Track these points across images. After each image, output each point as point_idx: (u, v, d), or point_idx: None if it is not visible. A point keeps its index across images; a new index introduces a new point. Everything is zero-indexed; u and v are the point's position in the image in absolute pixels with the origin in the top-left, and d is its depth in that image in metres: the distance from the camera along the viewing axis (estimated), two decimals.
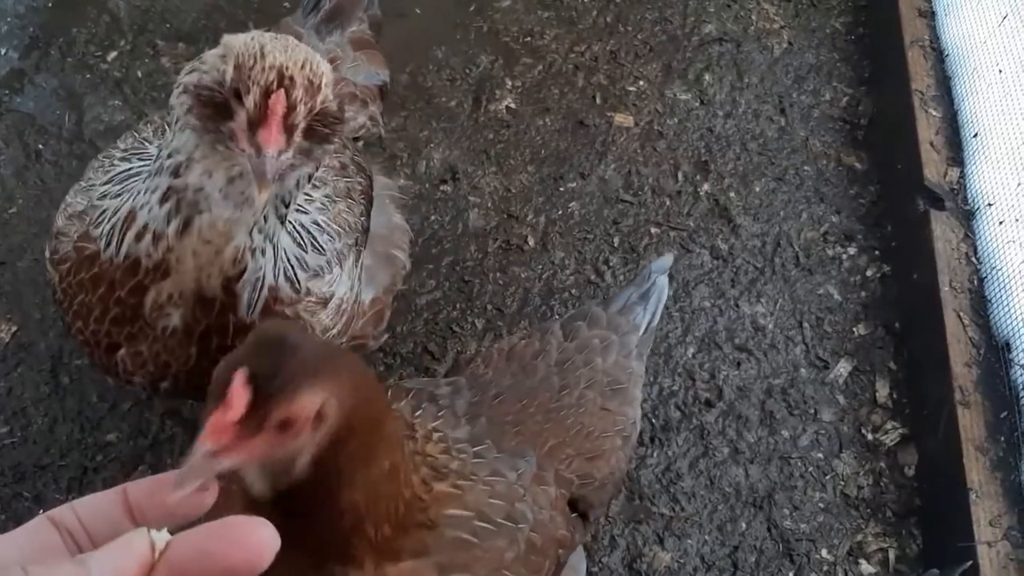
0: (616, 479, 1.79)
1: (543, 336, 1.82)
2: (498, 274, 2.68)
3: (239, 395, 0.91)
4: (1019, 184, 2.57)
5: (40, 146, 2.83)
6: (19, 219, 2.65)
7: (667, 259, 2.00)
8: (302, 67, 1.25)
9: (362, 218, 1.85)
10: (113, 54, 3.08)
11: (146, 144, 1.69)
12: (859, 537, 2.26)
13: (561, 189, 2.89)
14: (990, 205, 2.59)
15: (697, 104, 3.13)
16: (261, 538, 0.64)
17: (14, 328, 2.44)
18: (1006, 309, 2.37)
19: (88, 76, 3.02)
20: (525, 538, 1.45)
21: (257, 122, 1.24)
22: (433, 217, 2.79)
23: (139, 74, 3.04)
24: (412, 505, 1.23)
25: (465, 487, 1.37)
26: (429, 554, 1.27)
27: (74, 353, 2.42)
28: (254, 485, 1.05)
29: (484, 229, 2.77)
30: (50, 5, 3.22)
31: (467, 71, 3.15)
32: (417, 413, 1.48)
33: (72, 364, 2.38)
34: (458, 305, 2.60)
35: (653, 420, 2.43)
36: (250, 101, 1.23)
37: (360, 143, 2.13)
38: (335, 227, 1.73)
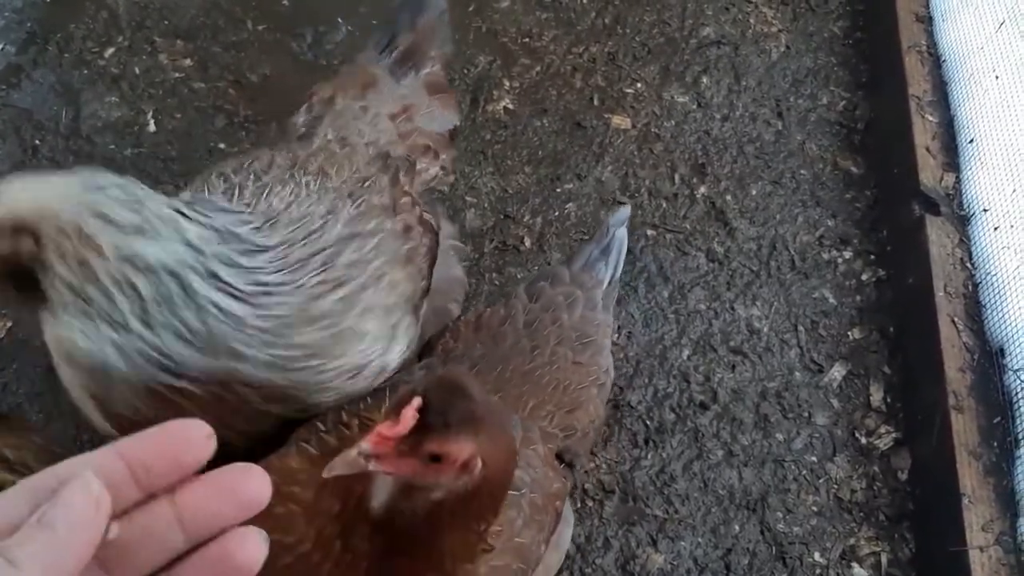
0: (597, 426, 1.87)
1: (507, 302, 1.87)
2: (494, 274, 2.68)
3: (409, 416, 1.04)
4: (1014, 190, 2.58)
5: (37, 142, 2.83)
6: None
7: (624, 211, 2.06)
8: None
9: (423, 281, 1.79)
10: (111, 50, 3.08)
11: None
12: (852, 541, 2.27)
13: (558, 190, 2.89)
14: (985, 211, 2.60)
15: (694, 107, 3.14)
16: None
17: (8, 324, 2.44)
18: (1000, 315, 2.37)
19: (86, 72, 3.01)
20: (528, 501, 1.53)
21: None
22: None
23: (137, 71, 3.03)
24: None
25: None
26: None
27: None
28: (377, 496, 1.16)
29: (481, 229, 2.77)
30: (48, 0, 3.21)
31: (465, 71, 3.15)
32: None
33: None
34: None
35: (648, 422, 2.43)
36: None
37: (433, 195, 2.05)
38: (389, 302, 1.66)
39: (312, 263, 1.54)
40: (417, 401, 1.06)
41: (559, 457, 1.73)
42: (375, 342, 1.63)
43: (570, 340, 1.82)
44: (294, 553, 1.24)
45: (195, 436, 0.66)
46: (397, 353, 1.69)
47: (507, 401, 1.68)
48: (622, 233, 2.02)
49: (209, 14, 3.22)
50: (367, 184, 1.73)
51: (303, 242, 1.55)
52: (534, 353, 1.78)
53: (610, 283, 1.96)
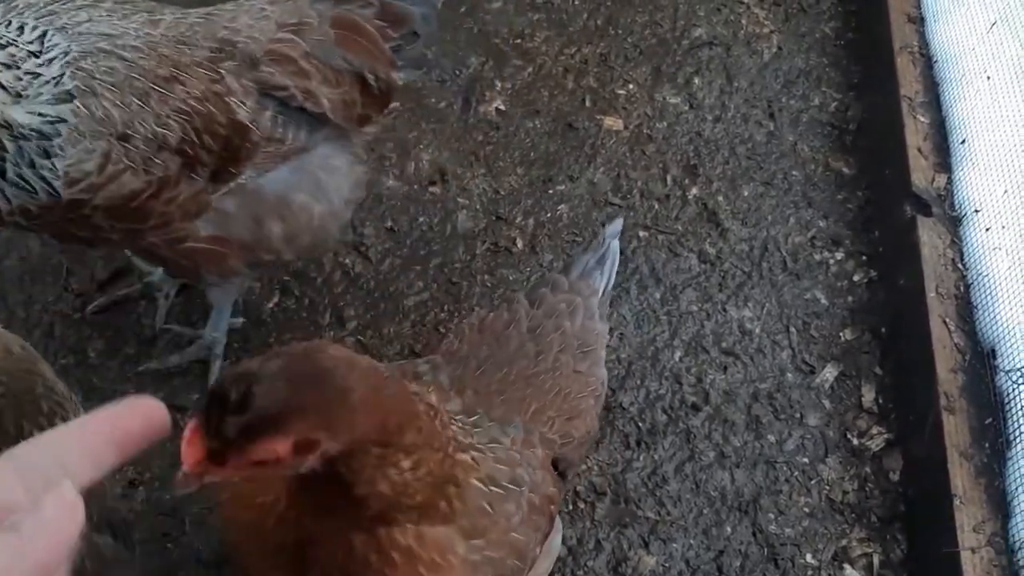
0: (591, 437, 1.89)
1: (510, 306, 1.88)
2: (486, 276, 2.68)
3: (187, 444, 0.98)
4: (1005, 191, 2.59)
5: None
6: None
7: (617, 224, 2.07)
8: None
9: None
10: None
11: None
12: (844, 542, 2.27)
13: (550, 191, 2.88)
14: (977, 211, 2.60)
15: (686, 108, 3.14)
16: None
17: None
18: (992, 315, 2.38)
19: None
20: (527, 500, 1.53)
21: None
22: (421, 219, 2.78)
23: None
24: (441, 475, 1.27)
25: (478, 458, 1.44)
26: (456, 521, 1.34)
27: (59, 352, 2.41)
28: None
29: (473, 231, 2.77)
30: None
31: (457, 72, 3.14)
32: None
33: (58, 363, 2.36)
34: (446, 307, 2.60)
35: (639, 424, 2.43)
36: None
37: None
38: None
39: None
40: (192, 423, 0.98)
41: (554, 464, 1.74)
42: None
43: (572, 348, 1.83)
44: (264, 509, 1.27)
45: (157, 415, 0.73)
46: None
47: (511, 403, 1.69)
48: (615, 245, 2.04)
49: None
50: (182, 43, 1.87)
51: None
52: (538, 358, 1.79)
53: (604, 293, 1.98)
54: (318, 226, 2.13)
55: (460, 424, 1.49)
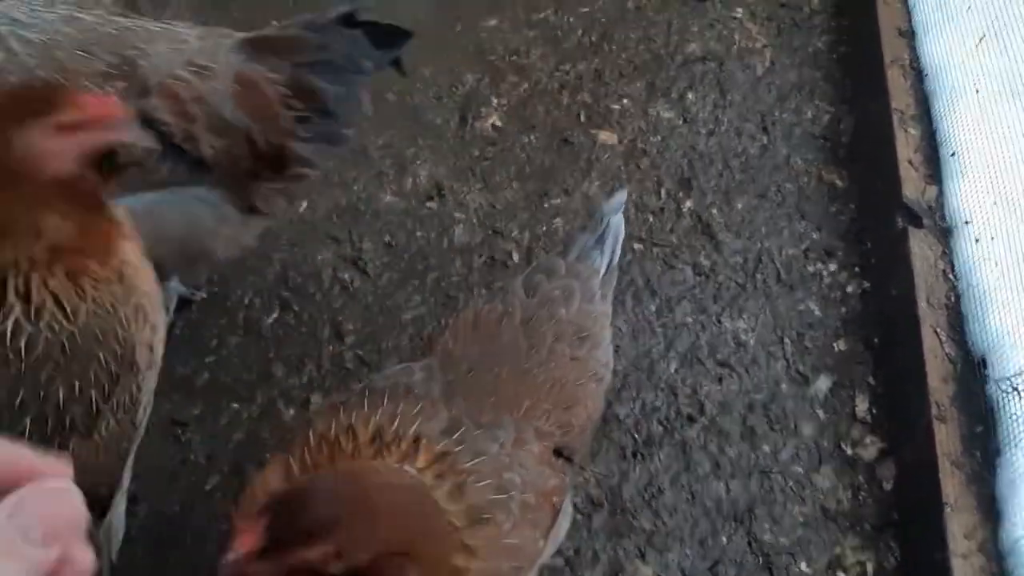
0: (595, 420, 1.88)
1: (505, 296, 1.86)
2: (483, 290, 2.71)
3: (244, 538, 1.14)
4: (994, 202, 2.62)
5: None
6: None
7: (619, 198, 2.04)
8: None
9: None
10: None
11: None
12: (837, 550, 2.29)
13: (546, 205, 2.92)
14: (967, 223, 2.63)
15: (680, 122, 3.18)
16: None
17: None
18: (982, 325, 2.40)
19: None
20: (518, 503, 1.55)
21: None
22: (419, 233, 2.82)
23: None
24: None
25: (464, 487, 1.49)
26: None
27: None
28: None
29: (469, 245, 2.80)
30: None
31: (453, 89, 3.18)
32: (395, 424, 1.52)
33: None
34: (443, 321, 2.62)
35: (635, 435, 2.45)
36: None
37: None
38: None
39: None
40: (246, 519, 1.17)
41: (558, 452, 1.74)
42: None
43: (567, 336, 1.81)
44: None
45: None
46: None
47: (502, 403, 1.69)
48: (618, 219, 1.99)
49: None
50: (83, 50, 1.89)
51: None
52: (531, 352, 1.78)
53: (607, 270, 1.95)
54: (182, 259, 2.15)
55: (441, 449, 1.52)
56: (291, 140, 2.15)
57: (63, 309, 1.44)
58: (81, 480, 0.64)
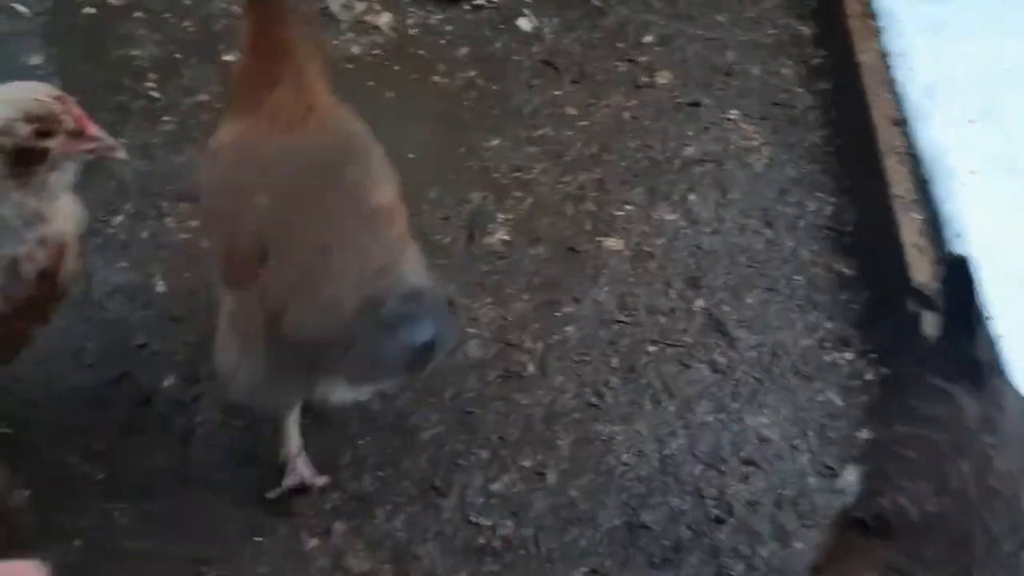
0: None
1: None
2: (499, 403, 2.71)
3: None
4: (1001, 282, 2.61)
5: None
6: None
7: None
8: None
9: None
10: (119, 218, 3.17)
11: None
12: None
13: (557, 314, 2.95)
14: None
15: (684, 223, 3.22)
16: None
17: None
18: None
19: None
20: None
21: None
22: None
23: (144, 235, 3.13)
24: None
25: None
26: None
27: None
28: None
29: (483, 359, 2.82)
30: None
31: (460, 208, 3.26)
32: None
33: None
34: (461, 437, 2.62)
35: (664, 541, 2.40)
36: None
37: None
38: None
39: None
40: None
41: None
42: None
43: None
44: None
45: None
46: None
47: None
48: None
49: None
50: None
51: None
52: None
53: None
54: None
55: None
56: None
57: None
58: None
